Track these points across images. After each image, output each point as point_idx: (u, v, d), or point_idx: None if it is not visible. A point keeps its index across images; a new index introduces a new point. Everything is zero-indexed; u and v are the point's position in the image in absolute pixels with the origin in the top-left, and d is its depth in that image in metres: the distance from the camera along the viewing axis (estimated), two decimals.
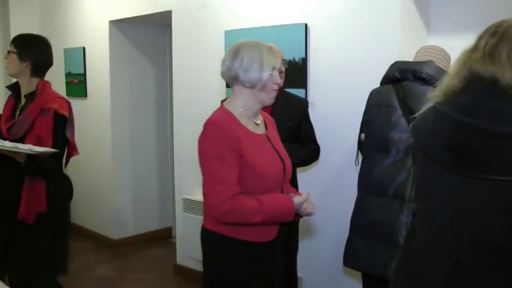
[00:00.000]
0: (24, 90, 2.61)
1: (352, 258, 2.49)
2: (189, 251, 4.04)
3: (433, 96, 1.65)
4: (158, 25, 5.06)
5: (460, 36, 2.93)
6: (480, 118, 1.40)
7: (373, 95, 2.55)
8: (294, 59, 3.23)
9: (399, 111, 2.39)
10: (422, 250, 1.57)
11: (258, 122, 2.11)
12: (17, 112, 2.62)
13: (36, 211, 2.49)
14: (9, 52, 2.62)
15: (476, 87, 1.44)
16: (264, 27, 3.41)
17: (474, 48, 1.49)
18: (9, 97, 2.70)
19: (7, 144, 2.33)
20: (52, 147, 2.44)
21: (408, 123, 2.33)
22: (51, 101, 2.55)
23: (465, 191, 1.44)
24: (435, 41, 3.01)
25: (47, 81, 2.66)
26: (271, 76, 1.99)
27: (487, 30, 1.50)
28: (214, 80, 3.80)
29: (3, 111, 2.67)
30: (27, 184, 2.48)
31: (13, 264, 2.64)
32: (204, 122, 1.98)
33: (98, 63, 4.90)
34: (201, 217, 3.79)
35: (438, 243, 1.52)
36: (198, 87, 3.97)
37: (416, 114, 1.70)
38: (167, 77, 5.22)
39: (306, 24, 3.20)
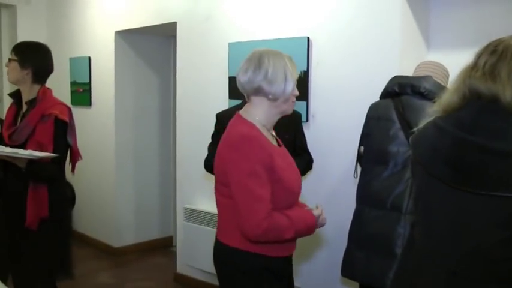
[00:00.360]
0: (25, 97, 2.65)
1: (350, 269, 2.52)
2: (189, 259, 4.08)
3: (432, 111, 1.70)
4: (163, 36, 5.13)
5: (459, 51, 2.98)
6: (480, 135, 1.44)
7: (373, 109, 2.60)
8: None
9: (398, 125, 2.44)
10: (420, 262, 1.60)
11: (273, 133, 2.09)
12: (19, 119, 2.65)
13: (39, 217, 2.53)
14: (10, 60, 2.66)
15: (476, 104, 1.48)
16: (267, 40, 3.47)
17: (474, 66, 1.54)
18: (12, 104, 2.75)
19: (7, 150, 2.37)
20: (53, 153, 2.47)
21: (406, 137, 2.38)
22: (51, 107, 2.59)
23: (464, 205, 1.47)
24: (434, 56, 3.06)
25: (47, 88, 2.70)
26: (294, 88, 1.95)
27: (486, 48, 1.55)
28: (217, 91, 3.87)
29: (6, 118, 2.72)
30: (31, 190, 2.51)
31: (16, 267, 2.67)
32: (229, 135, 1.88)
33: (103, 72, 4.97)
34: (203, 227, 3.91)
35: (437, 255, 1.54)
36: (201, 98, 4.03)
37: (416, 129, 1.75)
38: (171, 87, 5.29)
39: (308, 38, 3.26)
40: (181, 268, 4.23)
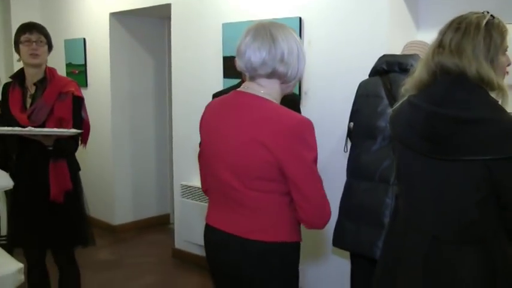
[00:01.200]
0: (33, 79, 2.70)
1: (341, 239, 2.65)
2: (186, 235, 4.21)
3: (404, 89, 1.82)
4: (157, 17, 5.19)
5: None
6: (450, 107, 1.57)
7: (362, 86, 2.71)
8: None
9: (385, 101, 2.55)
10: (405, 230, 1.73)
11: None
12: (28, 100, 2.70)
13: (64, 189, 2.66)
14: (38, 42, 2.67)
15: (445, 80, 1.60)
16: (260, 20, 3.54)
17: (439, 44, 1.66)
18: (13, 87, 2.73)
19: (43, 130, 2.48)
20: (73, 128, 2.61)
21: None
22: (67, 85, 2.72)
23: (441, 173, 1.60)
24: (423, 36, 3.16)
25: (51, 67, 2.79)
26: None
27: (450, 25, 1.68)
28: (212, 70, 3.95)
29: (13, 101, 2.70)
30: (52, 166, 2.62)
31: (45, 239, 2.74)
32: (278, 122, 1.63)
33: (98, 54, 5.03)
34: (199, 202, 4.03)
35: (419, 222, 1.68)
36: (196, 78, 4.11)
37: (393, 108, 1.87)
38: (166, 67, 5.36)
39: (300, 18, 3.34)
40: (179, 244, 4.37)
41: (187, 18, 4.13)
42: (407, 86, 1.80)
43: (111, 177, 5.09)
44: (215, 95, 2.99)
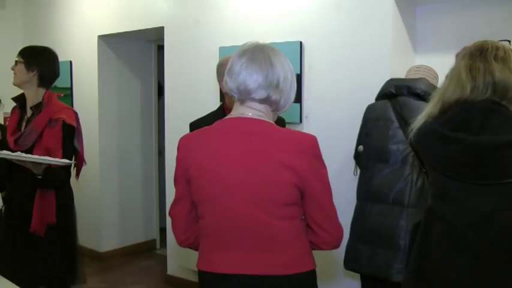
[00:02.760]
0: (30, 102, 2.63)
1: (354, 261, 2.65)
2: (180, 260, 4.13)
3: (429, 113, 1.86)
4: (146, 40, 5.16)
5: (442, 55, 3.18)
6: (487, 133, 1.62)
7: (370, 110, 2.75)
8: None
9: (396, 124, 2.59)
10: (446, 251, 1.74)
11: None
12: (23, 124, 2.63)
13: (47, 223, 2.52)
14: (16, 62, 2.65)
15: (475, 106, 1.67)
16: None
17: (470, 70, 1.73)
18: (14, 109, 2.72)
19: (32, 157, 2.34)
20: (62, 158, 2.46)
21: (405, 135, 2.55)
22: (59, 112, 2.58)
23: (482, 196, 1.65)
24: (420, 59, 3.26)
25: (52, 92, 2.70)
26: None
27: (478, 52, 1.75)
28: (208, 95, 3.93)
29: (9, 123, 2.68)
30: (39, 196, 2.50)
31: (22, 273, 2.59)
32: (294, 144, 1.59)
33: (85, 77, 4.94)
34: None
35: (462, 243, 1.70)
36: (191, 103, 4.07)
37: (414, 128, 1.90)
38: (152, 91, 5.34)
39: (300, 42, 3.38)
40: (172, 270, 4.28)
41: (181, 41, 4.12)
42: (432, 110, 1.85)
43: (98, 202, 4.96)
44: (194, 125, 2.72)
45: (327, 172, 1.65)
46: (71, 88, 5.07)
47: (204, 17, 3.94)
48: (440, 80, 2.81)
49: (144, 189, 5.35)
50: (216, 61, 3.81)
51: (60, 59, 5.07)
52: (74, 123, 2.60)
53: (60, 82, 5.11)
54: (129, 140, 5.18)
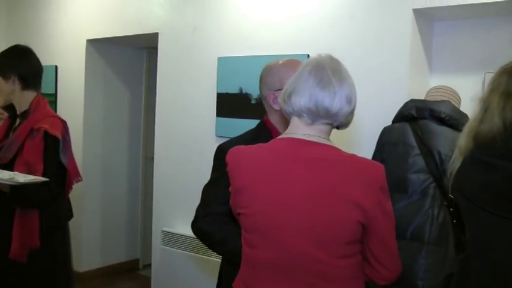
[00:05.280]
0: (18, 109, 2.36)
1: None
2: (165, 283, 3.83)
3: (465, 145, 1.65)
4: (137, 47, 4.88)
5: (459, 76, 2.97)
6: None
7: (387, 133, 2.50)
8: None
9: (417, 150, 2.34)
10: None
11: None
12: (10, 134, 2.34)
13: (28, 246, 2.21)
14: None
15: None
16: (262, 56, 3.31)
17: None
18: (8, 117, 2.45)
19: None
20: (43, 174, 2.15)
21: (426, 163, 2.30)
22: (42, 120, 2.27)
23: None
24: (436, 79, 3.03)
25: (42, 98, 2.40)
26: None
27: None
28: (203, 108, 3.66)
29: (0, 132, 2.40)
30: (18, 216, 2.20)
31: None
32: (361, 174, 1.41)
33: (71, 83, 4.61)
34: (183, 252, 3.62)
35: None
36: (185, 115, 3.80)
37: (454, 165, 1.69)
38: (142, 101, 5.04)
39: (308, 56, 3.12)
40: None
41: (177, 49, 3.84)
42: (467, 140, 1.65)
43: (79, 218, 4.57)
44: (227, 148, 2.53)
45: (391, 205, 1.49)
46: (55, 95, 4.75)
47: (203, 25, 3.67)
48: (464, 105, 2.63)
49: (129, 204, 5.02)
50: (214, 72, 3.56)
51: (45, 63, 4.76)
52: (58, 134, 2.28)
53: (44, 88, 4.76)
54: (114, 152, 4.86)
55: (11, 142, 2.26)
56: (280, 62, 1.90)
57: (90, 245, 4.67)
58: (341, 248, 1.40)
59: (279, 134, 1.75)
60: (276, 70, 1.89)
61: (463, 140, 1.67)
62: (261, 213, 1.45)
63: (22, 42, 4.87)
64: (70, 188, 2.44)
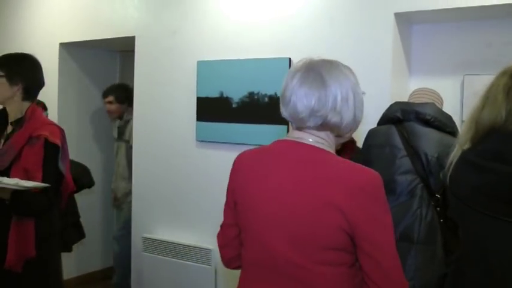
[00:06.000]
0: (12, 117, 2.31)
1: None
2: None
3: (460, 144, 1.67)
4: (109, 50, 4.79)
5: (438, 78, 3.03)
6: None
7: (373, 135, 2.52)
8: (275, 95, 3.13)
9: (403, 152, 2.37)
10: None
11: None
12: (1, 141, 2.29)
13: (24, 256, 2.17)
14: None
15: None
16: (243, 59, 3.30)
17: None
18: None
19: None
20: (42, 181, 2.13)
21: (413, 164, 2.33)
22: (40, 128, 2.24)
23: None
24: (415, 82, 3.08)
25: (37, 106, 2.37)
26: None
27: None
28: (182, 112, 3.63)
29: None
30: (14, 225, 2.15)
31: None
32: (348, 181, 1.34)
33: (44, 87, 4.47)
34: (165, 258, 3.56)
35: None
36: (164, 120, 3.75)
37: (450, 164, 1.71)
38: None
39: (289, 59, 3.13)
40: None
41: (154, 53, 3.79)
42: (464, 139, 1.66)
43: None
44: None
45: (387, 217, 1.36)
46: None
47: (182, 28, 3.64)
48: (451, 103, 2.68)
49: (103, 211, 4.92)
50: (193, 75, 3.53)
51: None
52: (58, 141, 2.25)
53: None
54: (89, 159, 4.73)
55: (6, 150, 2.21)
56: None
57: (64, 254, 4.53)
58: (318, 252, 1.35)
59: None
60: None
61: (463, 131, 1.68)
62: (248, 214, 1.47)
63: None
64: (66, 196, 2.44)
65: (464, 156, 1.62)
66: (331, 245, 1.35)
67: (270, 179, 1.43)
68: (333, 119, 1.37)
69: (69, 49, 4.47)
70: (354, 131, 1.46)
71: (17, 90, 2.29)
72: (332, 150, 1.44)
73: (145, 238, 3.76)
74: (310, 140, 1.42)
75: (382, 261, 1.33)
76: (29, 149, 2.19)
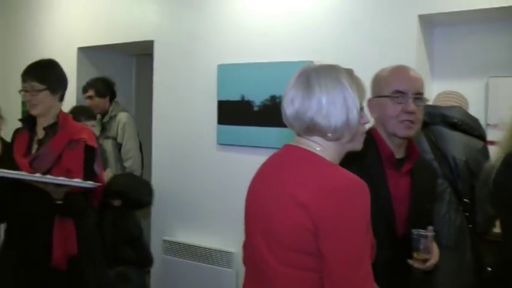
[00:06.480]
0: (43, 122, 2.37)
1: None
2: None
3: (503, 148, 1.66)
4: (126, 54, 4.81)
5: (460, 81, 3.02)
6: None
7: None
8: None
9: (430, 155, 2.35)
10: None
11: None
12: (34, 146, 2.35)
13: (68, 255, 2.26)
14: (32, 92, 2.31)
15: None
16: (265, 63, 3.30)
17: None
18: (20, 131, 2.43)
19: (58, 178, 2.12)
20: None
21: (440, 167, 2.31)
22: (79, 132, 2.38)
23: None
24: (438, 85, 3.07)
25: (66, 113, 2.48)
26: (360, 116, 1.41)
27: None
28: (203, 115, 3.63)
29: (17, 145, 2.39)
30: (58, 224, 2.25)
31: None
32: (331, 178, 1.32)
33: None
34: (185, 260, 3.56)
35: None
36: (183, 123, 3.76)
37: (495, 162, 1.70)
38: (132, 108, 4.96)
39: (312, 63, 3.11)
40: None
41: (173, 57, 3.79)
42: (508, 143, 1.66)
43: None
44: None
45: (355, 226, 1.27)
46: None
47: (201, 32, 3.64)
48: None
49: None
50: (213, 79, 3.53)
51: None
52: (95, 144, 2.41)
53: None
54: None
55: (46, 152, 2.29)
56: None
57: None
58: (284, 253, 1.33)
59: (386, 145, 1.83)
60: (374, 78, 1.96)
61: (506, 135, 1.71)
62: (245, 216, 1.52)
63: (12, 49, 4.81)
64: (98, 197, 2.52)
65: (508, 159, 1.62)
66: (295, 246, 1.31)
67: (259, 181, 1.49)
68: (320, 122, 1.36)
69: (87, 53, 4.50)
70: (355, 135, 1.41)
71: (57, 100, 2.39)
72: (327, 155, 1.40)
73: (166, 241, 3.77)
74: (303, 143, 1.42)
75: (334, 270, 1.28)
76: (70, 152, 2.29)
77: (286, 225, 1.31)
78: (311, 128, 1.38)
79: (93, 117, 3.41)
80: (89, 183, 2.19)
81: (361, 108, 1.41)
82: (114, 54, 4.74)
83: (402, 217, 1.78)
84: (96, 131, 3.89)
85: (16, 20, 4.96)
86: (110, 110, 3.91)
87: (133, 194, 3.31)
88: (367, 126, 1.52)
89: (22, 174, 2.11)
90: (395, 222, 1.76)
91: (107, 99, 3.93)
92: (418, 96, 1.84)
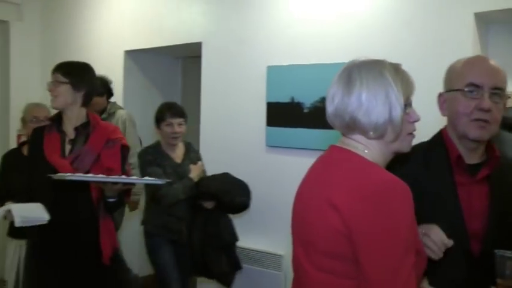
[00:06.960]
0: (72, 123, 2.43)
1: None
2: None
3: None
4: (172, 56, 4.87)
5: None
6: None
7: None
8: None
9: None
10: None
11: None
12: (67, 146, 2.41)
13: (112, 248, 2.40)
14: (55, 83, 2.39)
15: None
16: (314, 64, 3.28)
17: None
18: (49, 131, 2.45)
19: (130, 179, 2.31)
20: None
21: None
22: (115, 131, 2.49)
23: None
24: None
25: (92, 112, 2.58)
26: (406, 114, 1.32)
27: None
28: (252, 117, 3.64)
29: (49, 146, 2.40)
30: (103, 221, 2.37)
31: None
32: (367, 179, 1.26)
33: None
34: (252, 267, 3.48)
35: None
36: (232, 125, 3.79)
37: None
38: None
39: None
40: None
41: (222, 59, 3.83)
42: None
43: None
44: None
45: (390, 228, 1.20)
46: None
47: (250, 33, 3.66)
48: None
49: None
50: (262, 81, 3.53)
51: None
52: (128, 144, 2.55)
53: None
54: None
55: (86, 153, 2.36)
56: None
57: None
58: (319, 257, 1.28)
59: (455, 148, 1.61)
60: (447, 70, 1.74)
61: None
62: (291, 219, 1.47)
63: (58, 50, 4.93)
64: (129, 195, 2.60)
65: None
66: (329, 249, 1.26)
67: (303, 185, 1.44)
68: (360, 119, 1.29)
69: (134, 56, 4.58)
70: (400, 134, 1.32)
71: (78, 97, 2.40)
72: (370, 155, 1.32)
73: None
74: (346, 143, 1.36)
75: (370, 278, 1.20)
76: (108, 151, 2.39)
77: (320, 228, 1.27)
78: (351, 126, 1.32)
79: None
80: (161, 180, 2.38)
81: (409, 105, 1.32)
82: (160, 57, 4.80)
83: (477, 233, 1.55)
84: None
85: (63, 22, 5.08)
86: (108, 107, 3.94)
87: (226, 196, 3.09)
88: (439, 125, 1.44)
89: (94, 177, 2.18)
90: (469, 238, 1.54)
91: (104, 97, 3.94)
92: (497, 91, 1.57)
